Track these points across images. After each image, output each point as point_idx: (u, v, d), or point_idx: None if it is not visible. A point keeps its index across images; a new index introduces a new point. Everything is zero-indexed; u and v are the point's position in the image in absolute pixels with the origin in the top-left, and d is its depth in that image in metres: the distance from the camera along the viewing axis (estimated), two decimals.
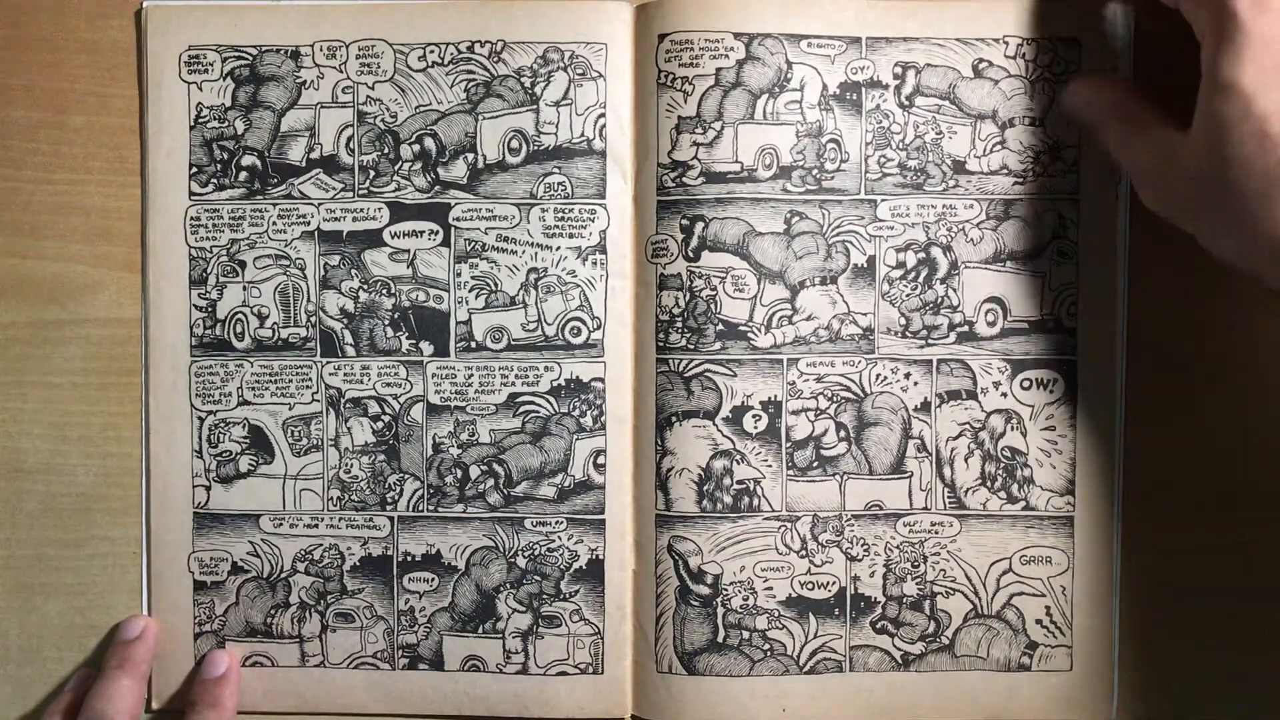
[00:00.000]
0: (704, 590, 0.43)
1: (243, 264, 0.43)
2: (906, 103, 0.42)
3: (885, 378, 0.43)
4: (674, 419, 0.42)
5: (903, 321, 0.42)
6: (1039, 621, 0.43)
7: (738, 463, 0.42)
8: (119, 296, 0.43)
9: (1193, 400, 0.42)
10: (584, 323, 0.43)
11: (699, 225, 0.42)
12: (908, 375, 0.42)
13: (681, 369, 0.42)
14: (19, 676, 0.44)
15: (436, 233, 0.43)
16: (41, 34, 0.43)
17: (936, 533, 0.43)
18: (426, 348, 0.43)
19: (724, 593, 0.43)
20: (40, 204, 0.43)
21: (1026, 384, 0.42)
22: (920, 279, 0.42)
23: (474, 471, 0.43)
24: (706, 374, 0.42)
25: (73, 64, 0.43)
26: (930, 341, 0.42)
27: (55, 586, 0.44)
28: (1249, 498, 0.43)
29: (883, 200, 0.42)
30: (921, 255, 0.42)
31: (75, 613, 0.44)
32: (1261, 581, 0.43)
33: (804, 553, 0.43)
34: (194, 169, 0.43)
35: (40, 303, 0.43)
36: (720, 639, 0.43)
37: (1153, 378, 0.42)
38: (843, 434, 0.43)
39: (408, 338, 0.43)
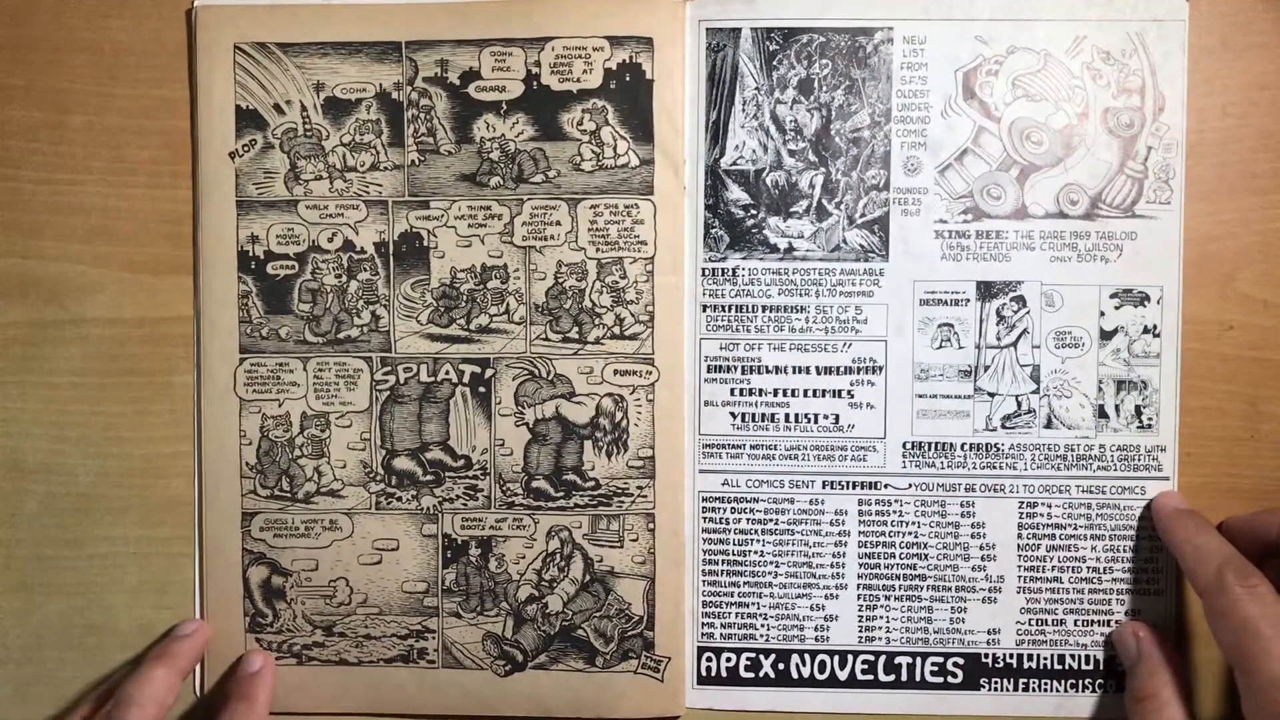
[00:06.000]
0: None
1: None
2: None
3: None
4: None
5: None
6: None
7: None
8: (119, 296, 0.43)
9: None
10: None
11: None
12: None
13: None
14: (19, 676, 0.44)
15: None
16: (41, 34, 0.43)
17: None
18: None
19: None
20: (40, 204, 0.43)
21: None
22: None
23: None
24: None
25: (73, 64, 0.43)
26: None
27: (55, 586, 0.44)
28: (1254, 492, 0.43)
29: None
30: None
31: (75, 613, 0.43)
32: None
33: None
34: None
35: (40, 303, 0.43)
36: None
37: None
38: None
39: None
